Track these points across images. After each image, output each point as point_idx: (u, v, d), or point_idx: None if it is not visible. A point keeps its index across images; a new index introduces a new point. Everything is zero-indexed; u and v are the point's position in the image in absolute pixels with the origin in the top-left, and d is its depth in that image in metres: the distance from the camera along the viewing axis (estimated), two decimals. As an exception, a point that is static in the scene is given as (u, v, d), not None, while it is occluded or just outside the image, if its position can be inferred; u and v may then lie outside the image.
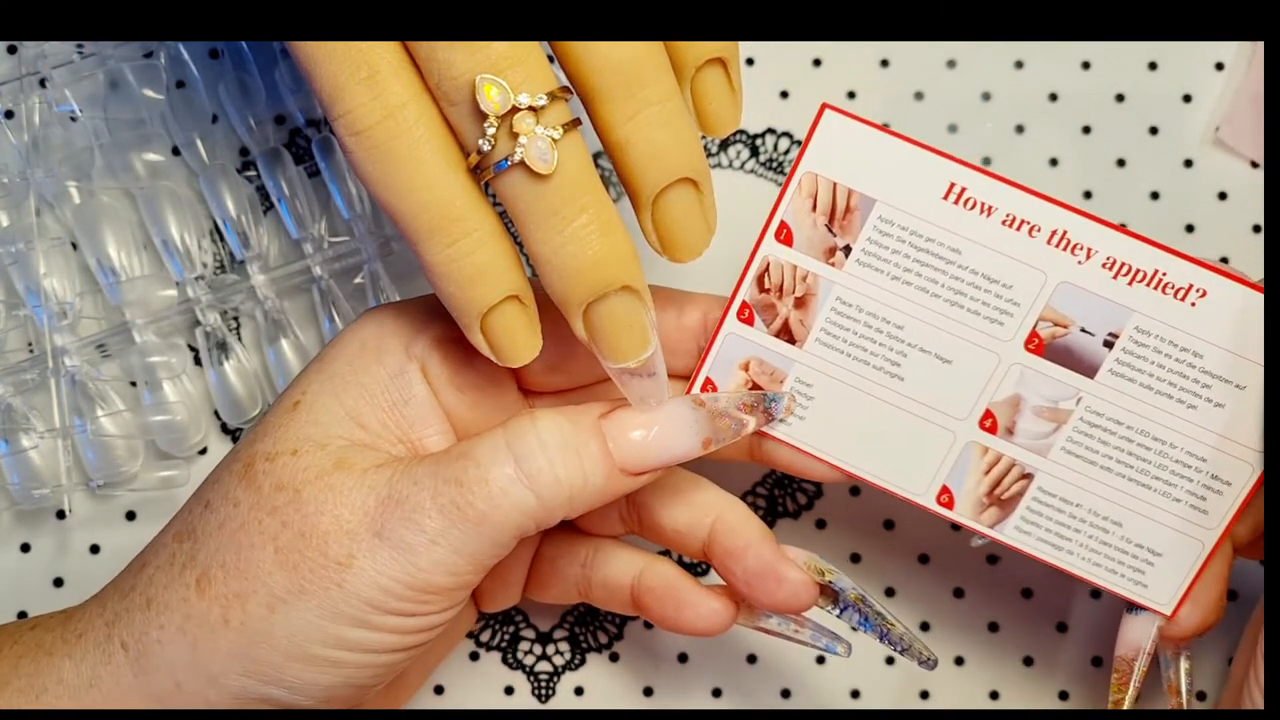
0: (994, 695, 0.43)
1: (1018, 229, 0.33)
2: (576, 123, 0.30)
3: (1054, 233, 0.33)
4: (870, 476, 0.35)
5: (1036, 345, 0.34)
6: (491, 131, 0.30)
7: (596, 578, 0.38)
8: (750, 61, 0.44)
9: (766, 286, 0.35)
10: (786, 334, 0.35)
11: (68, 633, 0.34)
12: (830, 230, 0.34)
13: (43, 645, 0.34)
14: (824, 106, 0.33)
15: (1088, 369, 0.34)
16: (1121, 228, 0.33)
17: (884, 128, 0.33)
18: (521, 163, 0.30)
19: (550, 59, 0.31)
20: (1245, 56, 0.43)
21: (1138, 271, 0.33)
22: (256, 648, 0.32)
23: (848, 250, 0.34)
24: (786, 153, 0.44)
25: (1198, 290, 0.33)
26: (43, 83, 0.42)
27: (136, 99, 0.42)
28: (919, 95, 0.44)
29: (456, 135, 0.31)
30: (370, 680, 0.33)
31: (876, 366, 0.34)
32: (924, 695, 0.43)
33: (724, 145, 0.44)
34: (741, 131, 0.44)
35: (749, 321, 0.35)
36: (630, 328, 0.32)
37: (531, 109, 0.30)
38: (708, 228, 0.32)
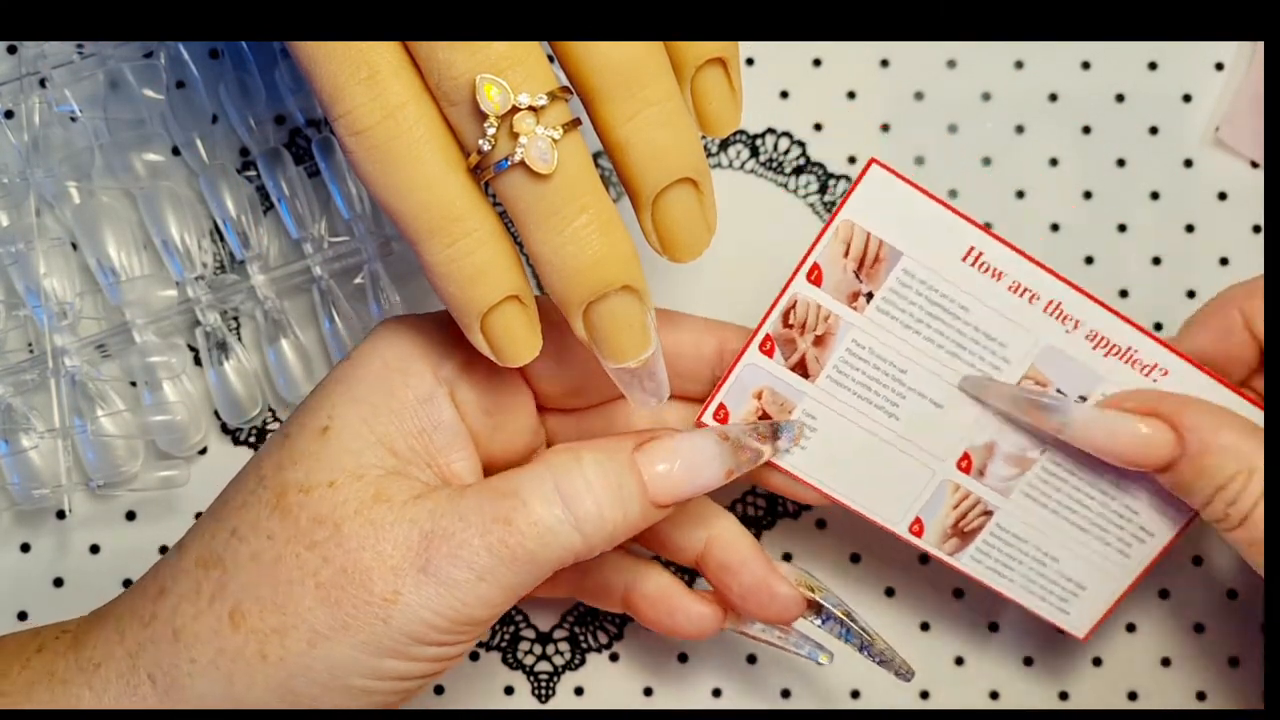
0: (994, 695, 0.43)
1: (1020, 295, 0.36)
2: (576, 123, 0.30)
3: (1050, 302, 0.36)
4: (852, 504, 0.37)
5: None
6: (491, 131, 0.29)
7: (589, 580, 0.39)
8: (750, 61, 0.44)
9: (791, 322, 0.36)
10: (801, 368, 0.36)
11: (82, 660, 0.33)
12: (858, 276, 0.36)
13: (55, 673, 0.33)
14: (871, 161, 0.35)
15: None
16: (1109, 306, 0.36)
17: (922, 189, 0.35)
18: (522, 163, 0.30)
19: (550, 59, 0.31)
20: (1245, 56, 0.43)
21: (1113, 345, 0.36)
22: (294, 680, 0.32)
23: (869, 296, 0.36)
24: (786, 153, 0.44)
25: (1161, 369, 0.36)
26: (43, 83, 0.42)
27: (136, 99, 0.42)
28: (919, 95, 0.44)
29: (456, 135, 0.30)
30: (395, 704, 0.33)
31: (877, 405, 0.37)
32: (924, 695, 0.43)
33: (724, 145, 0.44)
34: (741, 131, 0.44)
35: (769, 353, 0.36)
36: (630, 328, 0.32)
37: (531, 109, 0.29)
38: (708, 228, 0.32)
